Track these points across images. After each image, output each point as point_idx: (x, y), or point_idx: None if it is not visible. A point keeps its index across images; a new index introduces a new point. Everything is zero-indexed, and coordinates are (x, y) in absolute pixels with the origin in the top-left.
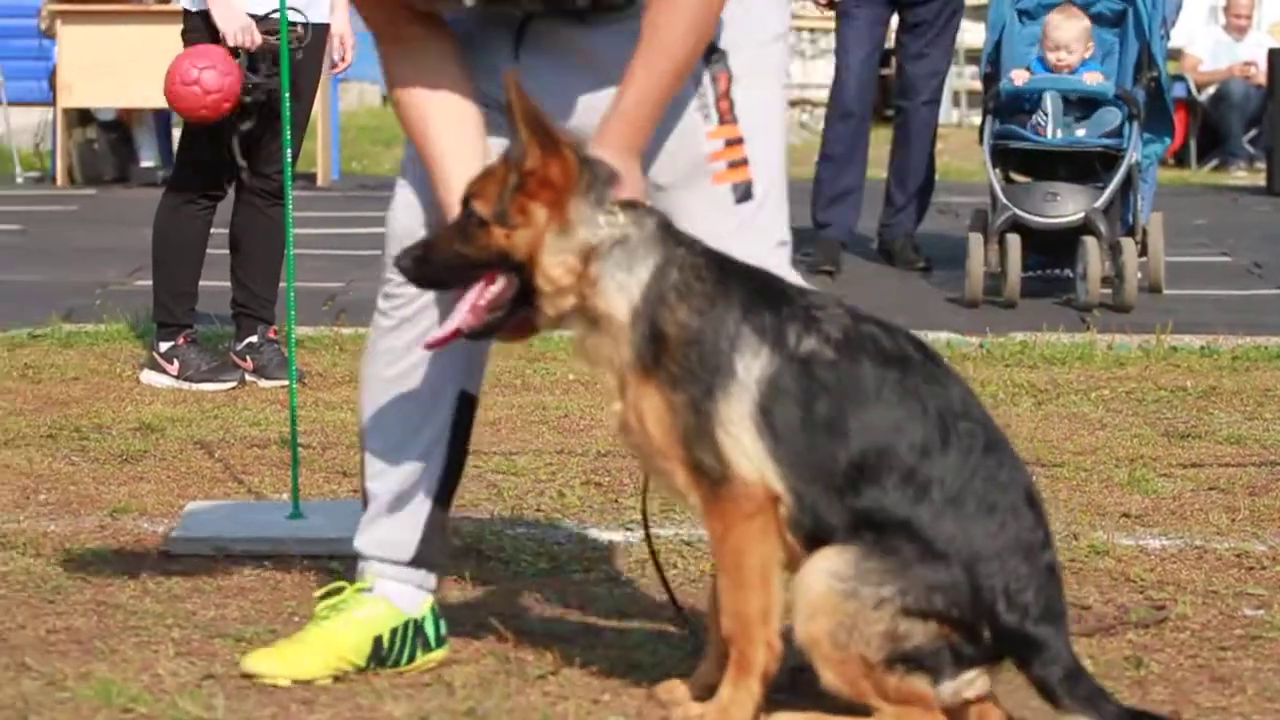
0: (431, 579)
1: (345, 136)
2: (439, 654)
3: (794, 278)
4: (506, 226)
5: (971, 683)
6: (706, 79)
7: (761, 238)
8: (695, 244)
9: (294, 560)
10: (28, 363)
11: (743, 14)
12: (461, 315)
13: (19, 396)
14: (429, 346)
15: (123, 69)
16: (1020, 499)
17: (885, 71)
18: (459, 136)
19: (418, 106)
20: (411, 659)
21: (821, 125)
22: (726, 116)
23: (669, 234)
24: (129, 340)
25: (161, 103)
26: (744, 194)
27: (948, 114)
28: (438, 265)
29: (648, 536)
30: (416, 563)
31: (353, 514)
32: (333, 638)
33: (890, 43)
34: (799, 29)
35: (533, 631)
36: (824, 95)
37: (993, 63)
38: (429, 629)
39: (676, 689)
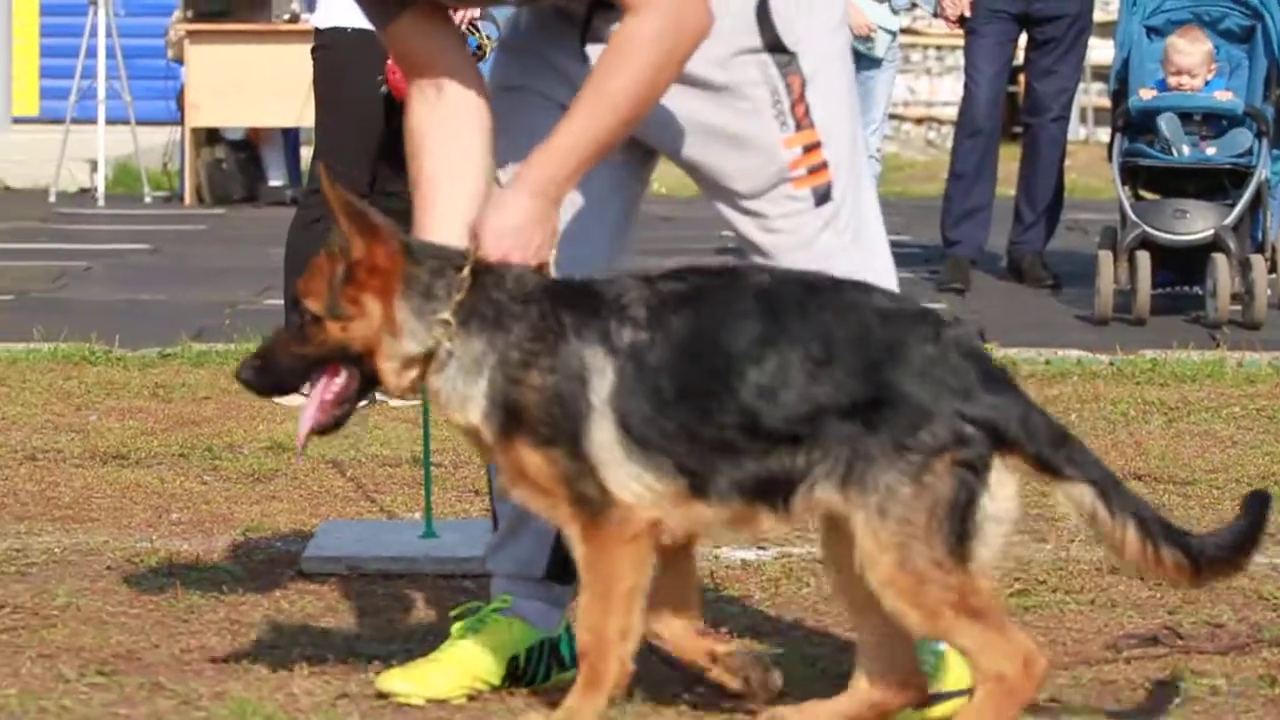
0: (566, 595)
1: None
2: (574, 673)
3: (889, 266)
4: (340, 319)
5: (1001, 482)
6: (781, 85)
7: (844, 238)
8: (527, 301)
9: (427, 579)
10: (158, 382)
11: (806, 10)
12: (310, 416)
13: (150, 416)
14: (299, 452)
15: (251, 88)
16: (873, 309)
17: (1013, 89)
18: (449, 189)
19: (421, 150)
20: (547, 678)
21: (948, 143)
22: (803, 121)
23: (500, 322)
24: None
25: (290, 121)
26: (823, 196)
27: (1075, 131)
28: (279, 371)
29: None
30: (550, 579)
31: (486, 532)
32: (468, 658)
33: (1018, 60)
34: (925, 46)
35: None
36: (950, 113)
37: (1121, 80)
38: (564, 648)
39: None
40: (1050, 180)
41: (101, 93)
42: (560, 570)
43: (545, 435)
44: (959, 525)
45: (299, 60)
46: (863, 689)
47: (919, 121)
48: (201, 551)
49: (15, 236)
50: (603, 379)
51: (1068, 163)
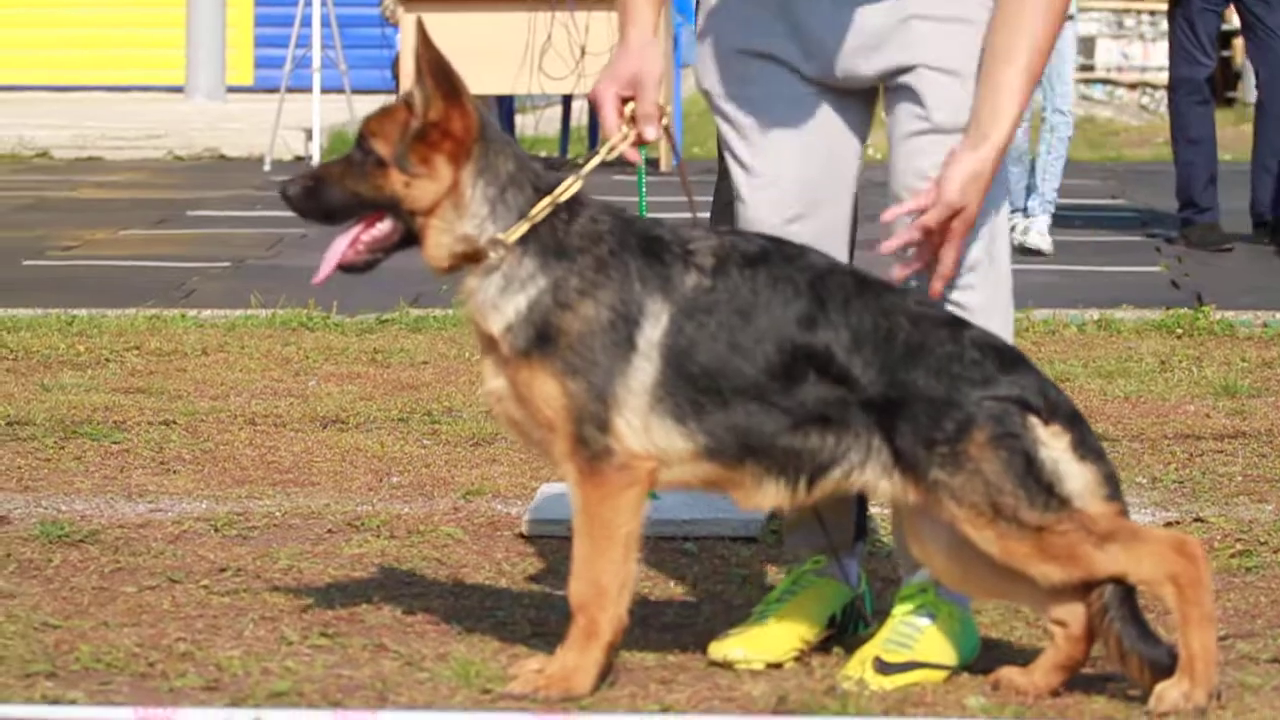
0: (861, 549)
1: (687, 122)
2: (873, 630)
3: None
4: (406, 173)
5: (1055, 434)
6: None
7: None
8: (596, 239)
9: (649, 541)
10: (376, 347)
11: None
12: (341, 250)
13: (369, 381)
14: (317, 284)
15: (466, 55)
16: (906, 312)
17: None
18: None
19: None
20: (855, 633)
21: (1162, 108)
22: None
23: (563, 251)
24: None
25: (505, 89)
26: None
27: None
28: (327, 200)
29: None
30: (855, 537)
31: (705, 496)
32: (794, 620)
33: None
34: (1138, 11)
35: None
36: (1163, 78)
37: None
38: (868, 603)
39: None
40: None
41: (317, 61)
42: (863, 527)
43: (574, 366)
44: (1034, 485)
45: (514, 27)
46: (1060, 638)
47: (1133, 87)
48: (422, 515)
49: (232, 204)
50: (656, 324)
51: None
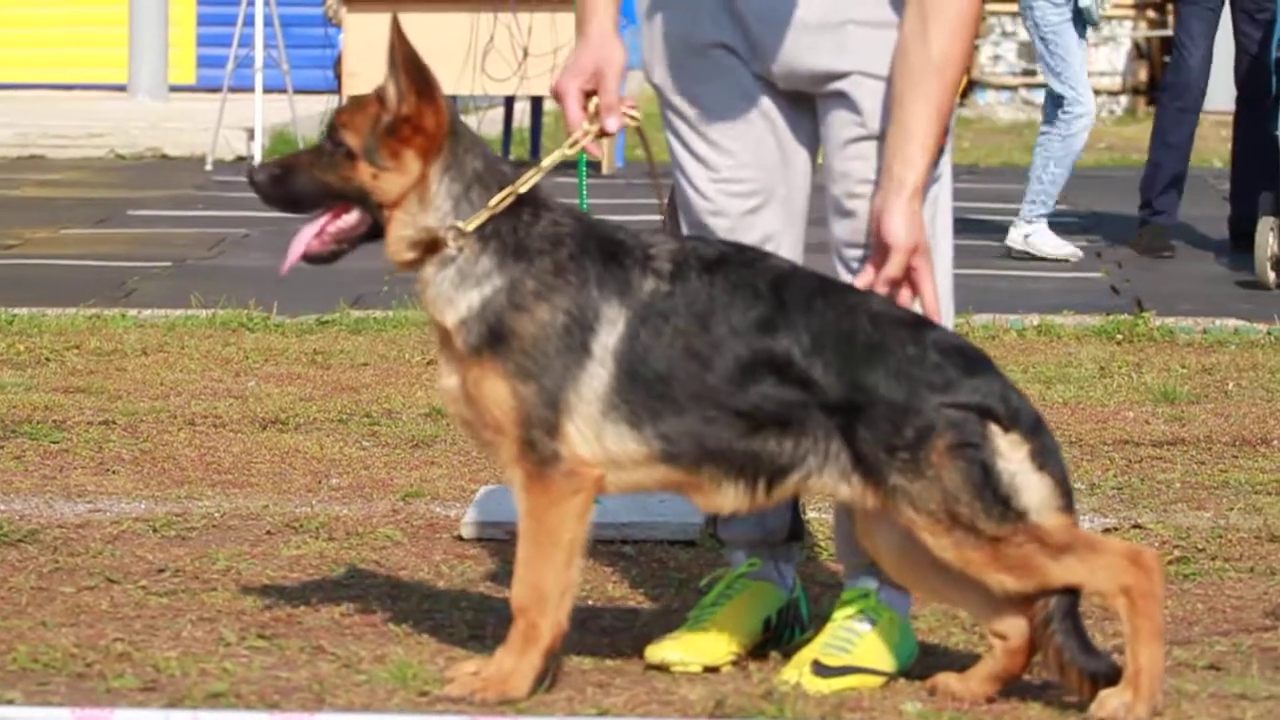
0: (795, 552)
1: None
2: (809, 635)
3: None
4: (375, 166)
5: (1012, 445)
6: None
7: (937, 217)
8: (557, 242)
9: (586, 544)
10: (316, 349)
11: None
12: (307, 240)
13: (309, 382)
14: (283, 273)
15: None
16: (868, 312)
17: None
18: None
19: None
20: (791, 638)
21: (1104, 112)
22: None
23: (521, 252)
24: (417, 326)
25: (447, 89)
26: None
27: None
28: (294, 188)
29: None
30: (789, 540)
31: (644, 497)
32: (730, 623)
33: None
34: None
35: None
36: (1106, 82)
37: None
38: (803, 608)
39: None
40: None
41: (259, 61)
42: (798, 529)
43: (525, 369)
44: (990, 497)
45: (456, 28)
46: (999, 650)
47: None
48: (361, 516)
49: (173, 204)
50: (612, 329)
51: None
